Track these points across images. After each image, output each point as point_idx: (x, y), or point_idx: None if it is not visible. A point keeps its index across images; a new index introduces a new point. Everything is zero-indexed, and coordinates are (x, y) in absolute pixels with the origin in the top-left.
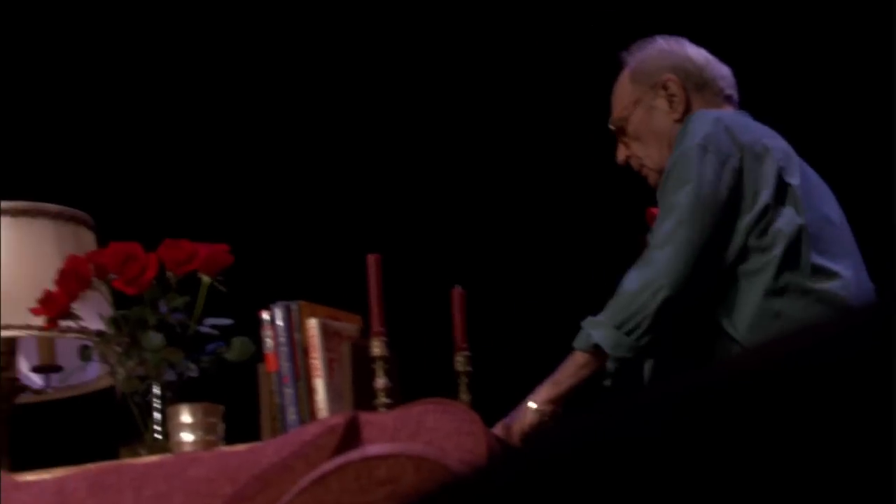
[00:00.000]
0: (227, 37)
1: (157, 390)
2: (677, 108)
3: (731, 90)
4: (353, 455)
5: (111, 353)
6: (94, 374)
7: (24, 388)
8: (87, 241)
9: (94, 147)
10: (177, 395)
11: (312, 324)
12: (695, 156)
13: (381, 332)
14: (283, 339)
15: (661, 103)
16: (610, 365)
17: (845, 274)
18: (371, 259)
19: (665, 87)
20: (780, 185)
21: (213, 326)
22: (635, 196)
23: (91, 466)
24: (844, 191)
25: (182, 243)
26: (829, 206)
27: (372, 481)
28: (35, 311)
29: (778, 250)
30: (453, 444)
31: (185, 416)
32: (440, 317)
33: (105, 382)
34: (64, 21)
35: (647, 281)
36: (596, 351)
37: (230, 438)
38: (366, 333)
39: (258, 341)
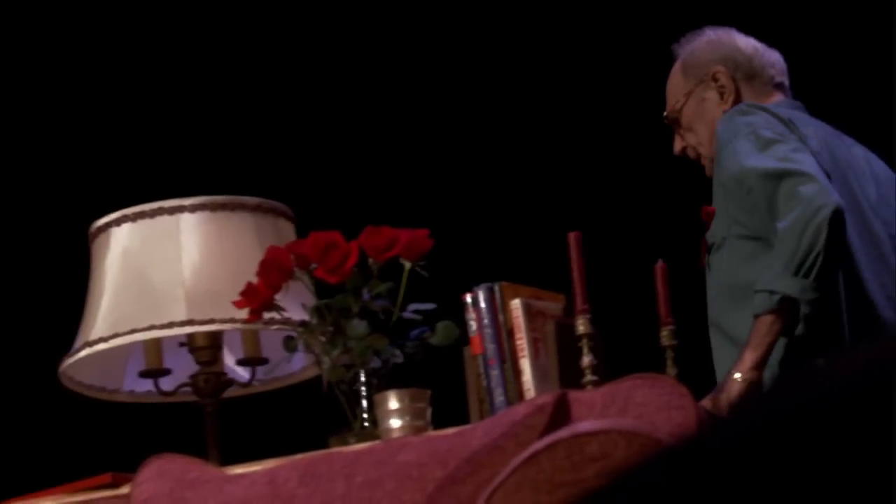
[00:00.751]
0: (415, 28)
1: (363, 378)
2: (728, 98)
3: (782, 77)
4: (564, 433)
5: (316, 342)
6: (299, 365)
7: (231, 382)
8: (286, 232)
9: (290, 138)
10: (383, 381)
11: (516, 304)
12: (747, 135)
13: (585, 309)
14: (487, 321)
15: (712, 95)
16: (804, 308)
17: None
18: (572, 237)
19: (715, 79)
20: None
21: (417, 311)
22: None
23: (301, 456)
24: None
25: (382, 230)
26: None
27: (583, 458)
28: (238, 304)
29: None
30: (663, 419)
31: (393, 403)
32: (644, 292)
33: (311, 373)
34: (250, 18)
35: (800, 216)
36: (780, 307)
37: (438, 423)
38: (570, 312)
39: (462, 324)
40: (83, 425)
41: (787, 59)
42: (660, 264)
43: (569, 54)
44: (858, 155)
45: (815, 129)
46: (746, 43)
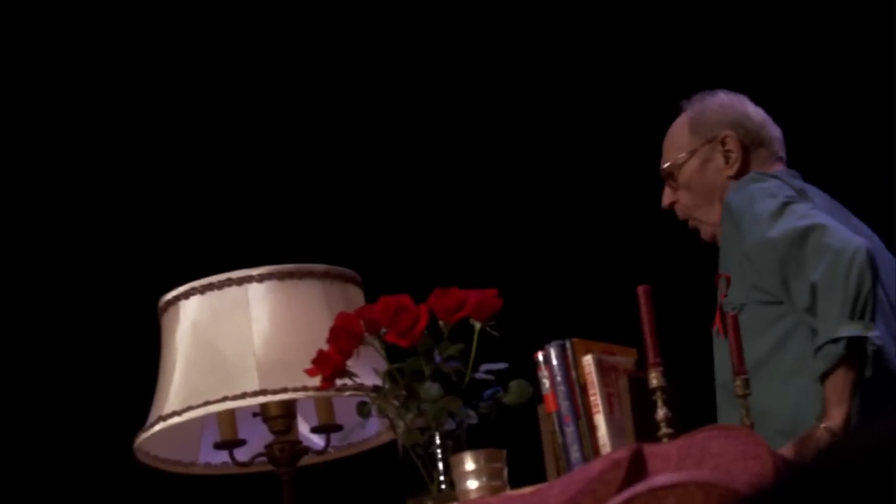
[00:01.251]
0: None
1: (438, 440)
2: (733, 164)
3: (783, 152)
4: (641, 487)
5: (389, 407)
6: (374, 430)
7: (306, 450)
8: (355, 297)
9: (355, 203)
10: (458, 443)
11: (588, 360)
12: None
13: (657, 362)
14: (559, 379)
15: (718, 158)
16: (870, 347)
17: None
18: (641, 290)
19: (723, 143)
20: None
21: (489, 371)
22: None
23: None
24: (845, 191)
25: (451, 291)
26: None
27: None
28: (310, 373)
29: None
30: (740, 468)
31: (469, 464)
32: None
33: (386, 437)
34: (308, 73)
35: (837, 264)
36: (847, 353)
37: (515, 482)
38: (642, 365)
39: (535, 382)
40: (161, 500)
41: (791, 70)
42: (730, 314)
43: (640, 110)
44: (861, 227)
45: (821, 199)
46: (756, 112)
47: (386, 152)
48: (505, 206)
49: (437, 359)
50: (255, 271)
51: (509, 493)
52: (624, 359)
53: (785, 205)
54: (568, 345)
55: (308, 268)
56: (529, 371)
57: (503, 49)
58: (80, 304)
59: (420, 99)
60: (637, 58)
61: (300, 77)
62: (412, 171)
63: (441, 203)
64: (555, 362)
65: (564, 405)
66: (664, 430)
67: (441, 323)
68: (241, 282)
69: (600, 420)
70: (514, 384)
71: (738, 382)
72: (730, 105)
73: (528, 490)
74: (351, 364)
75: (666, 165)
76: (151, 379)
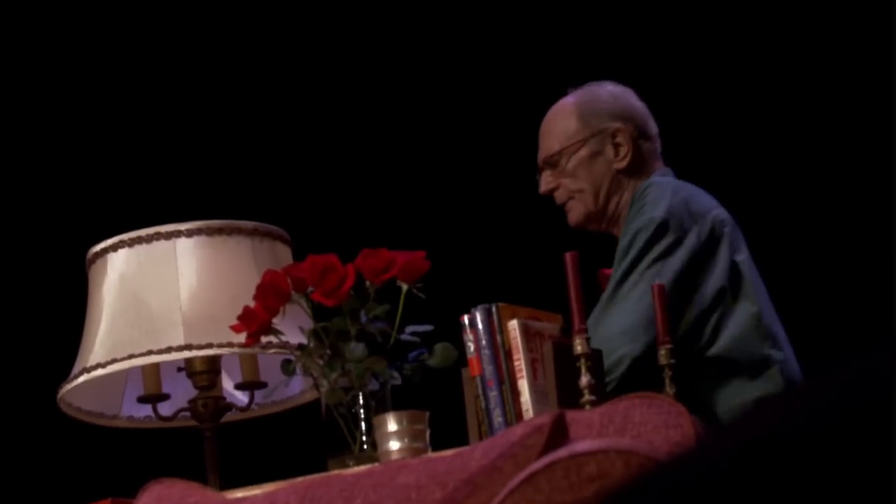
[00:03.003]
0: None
1: (361, 400)
2: (624, 158)
3: (660, 148)
4: (562, 452)
5: (314, 365)
6: (298, 389)
7: (230, 407)
8: (283, 255)
9: (285, 161)
10: (382, 403)
11: (513, 325)
12: (654, 233)
13: (582, 329)
14: (484, 343)
15: (608, 150)
16: None
17: (788, 354)
18: (568, 256)
19: (614, 136)
20: (732, 266)
21: (415, 333)
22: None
23: (300, 479)
24: (845, 190)
25: (379, 252)
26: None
27: (581, 478)
28: (236, 329)
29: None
30: (661, 438)
31: (392, 425)
32: None
33: (309, 396)
34: (242, 28)
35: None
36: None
37: (437, 444)
38: (567, 332)
39: (460, 346)
40: (82, 451)
41: (784, 60)
42: (657, 284)
43: (563, 72)
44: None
45: (723, 211)
46: (642, 106)
47: (317, 112)
48: (436, 168)
49: (364, 319)
50: (183, 226)
51: (431, 455)
52: (549, 325)
53: (657, 258)
54: (494, 309)
55: (237, 224)
56: (455, 334)
57: (428, 7)
58: (7, 255)
59: (349, 58)
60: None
61: (232, 31)
62: (343, 132)
63: (371, 164)
64: (480, 326)
65: (488, 369)
66: (587, 396)
67: (368, 283)
68: (169, 236)
69: (524, 385)
70: (439, 347)
71: (663, 352)
72: (620, 97)
73: (449, 453)
74: (277, 322)
75: (553, 153)
76: (78, 331)
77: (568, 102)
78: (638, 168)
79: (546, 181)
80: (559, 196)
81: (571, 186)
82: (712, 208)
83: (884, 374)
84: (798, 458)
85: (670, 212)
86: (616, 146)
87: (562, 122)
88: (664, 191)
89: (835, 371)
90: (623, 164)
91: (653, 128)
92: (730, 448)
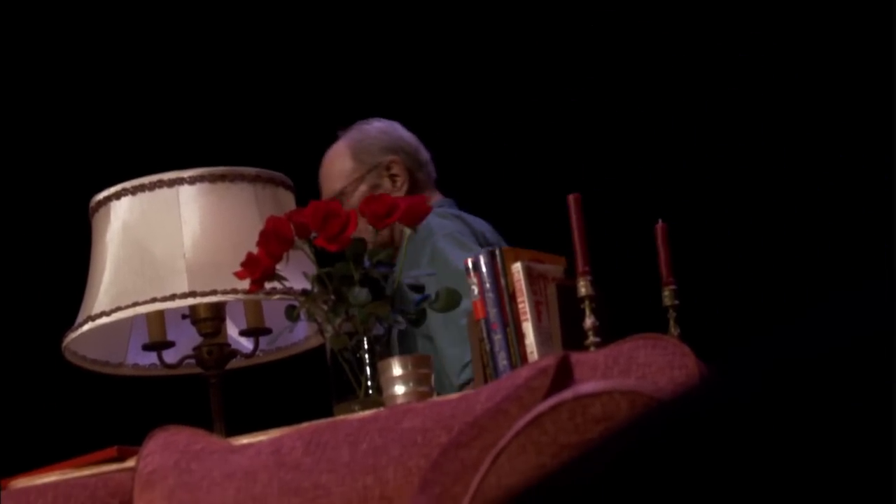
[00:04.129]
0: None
1: (366, 345)
2: (401, 187)
3: (435, 173)
4: (567, 394)
5: (318, 311)
6: (302, 334)
7: (235, 353)
8: (286, 201)
9: (287, 107)
10: (386, 348)
11: (517, 268)
12: (452, 245)
13: (586, 271)
14: (488, 286)
15: (386, 183)
16: None
17: None
18: (571, 198)
19: (388, 168)
20: None
21: (418, 278)
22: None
23: (305, 425)
24: (845, 189)
25: (382, 197)
26: None
27: (587, 419)
28: (239, 275)
29: None
30: (666, 379)
31: (396, 369)
32: (645, 252)
33: (314, 341)
34: None
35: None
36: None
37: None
38: (571, 274)
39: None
40: (88, 400)
41: (791, 70)
42: (660, 224)
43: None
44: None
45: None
46: (410, 136)
47: (317, 55)
48: (437, 109)
49: (367, 264)
50: (186, 173)
51: (436, 399)
52: (553, 267)
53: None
54: (497, 252)
55: (239, 171)
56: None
57: None
58: (11, 204)
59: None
60: None
61: None
62: (344, 75)
63: (373, 107)
64: (484, 269)
65: (493, 312)
66: (591, 338)
67: (371, 228)
68: (172, 183)
69: (528, 328)
70: (442, 291)
71: (667, 293)
72: (389, 131)
73: (454, 396)
74: (280, 268)
75: (336, 192)
76: (82, 279)
77: (340, 145)
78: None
79: None
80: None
81: (360, 224)
82: (486, 232)
83: (885, 303)
84: (798, 390)
85: (457, 231)
86: (392, 177)
87: (338, 163)
88: (444, 217)
89: (835, 304)
90: (401, 193)
91: (424, 155)
92: (733, 385)
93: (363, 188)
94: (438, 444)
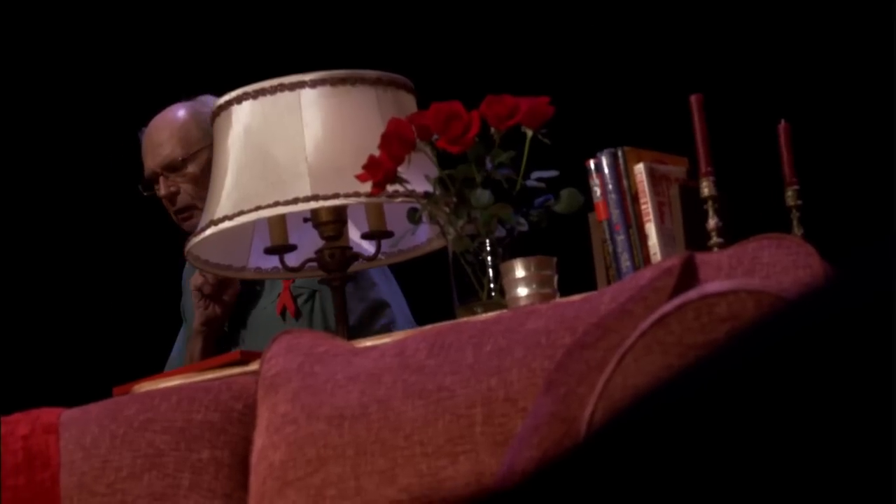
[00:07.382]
0: None
1: (488, 247)
2: None
3: None
4: (692, 294)
5: (440, 213)
6: (424, 237)
7: (357, 256)
8: (407, 104)
9: (409, 9)
10: (509, 250)
11: (640, 169)
12: None
13: (709, 172)
14: (611, 187)
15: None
16: None
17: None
18: (694, 99)
19: None
20: None
21: (540, 179)
22: None
23: (429, 327)
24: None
25: (503, 98)
26: None
27: (713, 318)
28: (361, 178)
29: None
30: (790, 278)
31: (519, 271)
32: (768, 152)
33: (436, 244)
34: None
35: None
36: None
37: (565, 290)
38: (694, 175)
39: (586, 191)
40: None
41: (791, 69)
42: (783, 124)
43: None
44: None
45: None
46: None
47: None
48: (557, 11)
49: (489, 166)
50: (307, 76)
51: (559, 300)
52: (675, 168)
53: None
54: (620, 153)
55: (360, 74)
56: (581, 180)
57: None
58: (130, 110)
59: None
60: None
61: None
62: None
63: (494, 9)
64: (606, 171)
65: (615, 213)
66: (715, 239)
67: (493, 130)
68: (293, 87)
69: (651, 229)
70: (565, 192)
71: (790, 193)
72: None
73: (578, 298)
74: (402, 170)
75: (177, 158)
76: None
77: (183, 112)
78: None
79: (167, 184)
80: (181, 200)
81: (193, 192)
82: None
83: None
84: None
85: None
86: None
87: (181, 129)
88: None
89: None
90: None
91: None
92: (863, 283)
93: (203, 159)
94: (562, 345)
